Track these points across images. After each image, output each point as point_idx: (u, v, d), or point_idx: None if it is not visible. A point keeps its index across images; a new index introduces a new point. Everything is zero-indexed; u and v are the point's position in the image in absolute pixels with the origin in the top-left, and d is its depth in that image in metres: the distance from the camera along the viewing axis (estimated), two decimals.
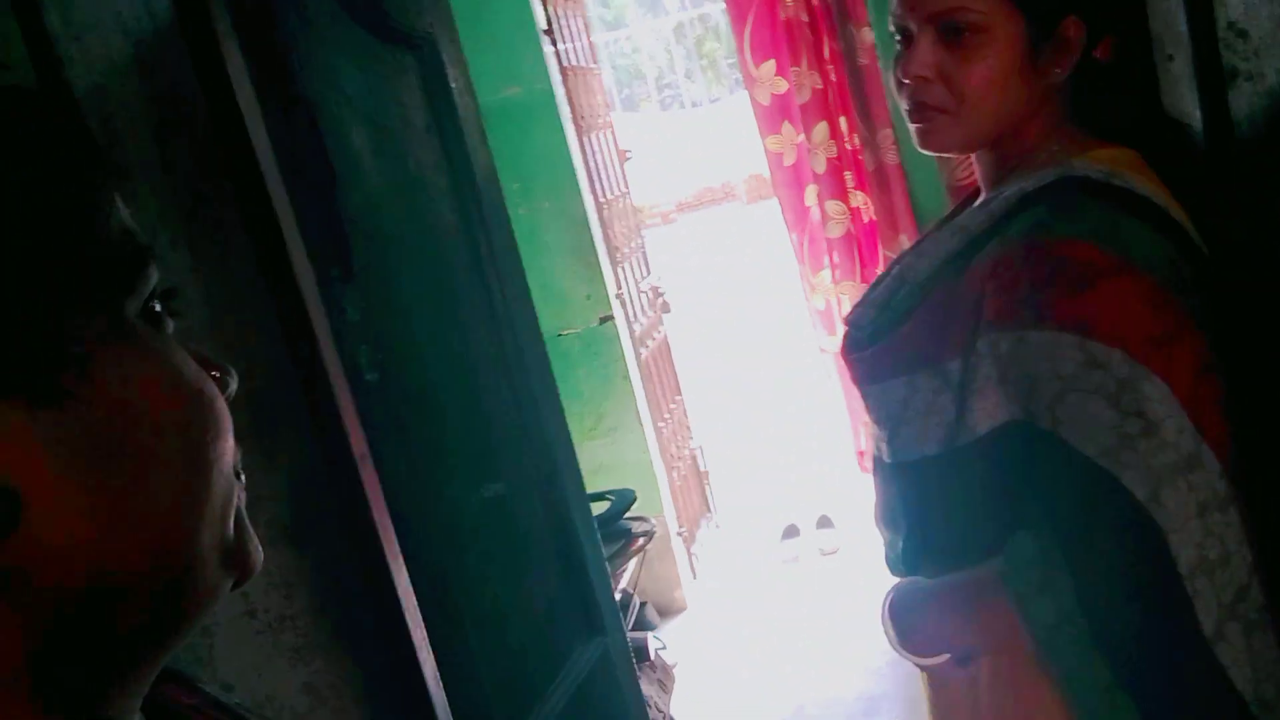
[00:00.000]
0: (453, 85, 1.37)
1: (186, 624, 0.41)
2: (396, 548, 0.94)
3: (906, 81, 1.03)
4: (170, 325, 0.42)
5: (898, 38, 1.05)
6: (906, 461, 1.03)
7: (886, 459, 1.06)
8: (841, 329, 3.45)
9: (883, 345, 1.04)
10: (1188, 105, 1.16)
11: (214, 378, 0.42)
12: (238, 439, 0.42)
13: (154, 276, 0.40)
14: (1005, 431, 0.93)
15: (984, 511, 0.99)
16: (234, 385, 0.44)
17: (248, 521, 0.43)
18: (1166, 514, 0.86)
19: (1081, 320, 0.88)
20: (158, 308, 0.41)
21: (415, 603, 1.00)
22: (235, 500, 0.42)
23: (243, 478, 0.43)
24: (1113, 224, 0.93)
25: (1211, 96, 1.15)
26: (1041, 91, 1.03)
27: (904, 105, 1.05)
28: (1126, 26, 1.09)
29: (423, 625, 1.01)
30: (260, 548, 0.44)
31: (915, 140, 1.07)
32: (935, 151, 1.07)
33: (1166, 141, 1.15)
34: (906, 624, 1.05)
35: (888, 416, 1.05)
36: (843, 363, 1.15)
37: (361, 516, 0.92)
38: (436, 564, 1.14)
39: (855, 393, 1.16)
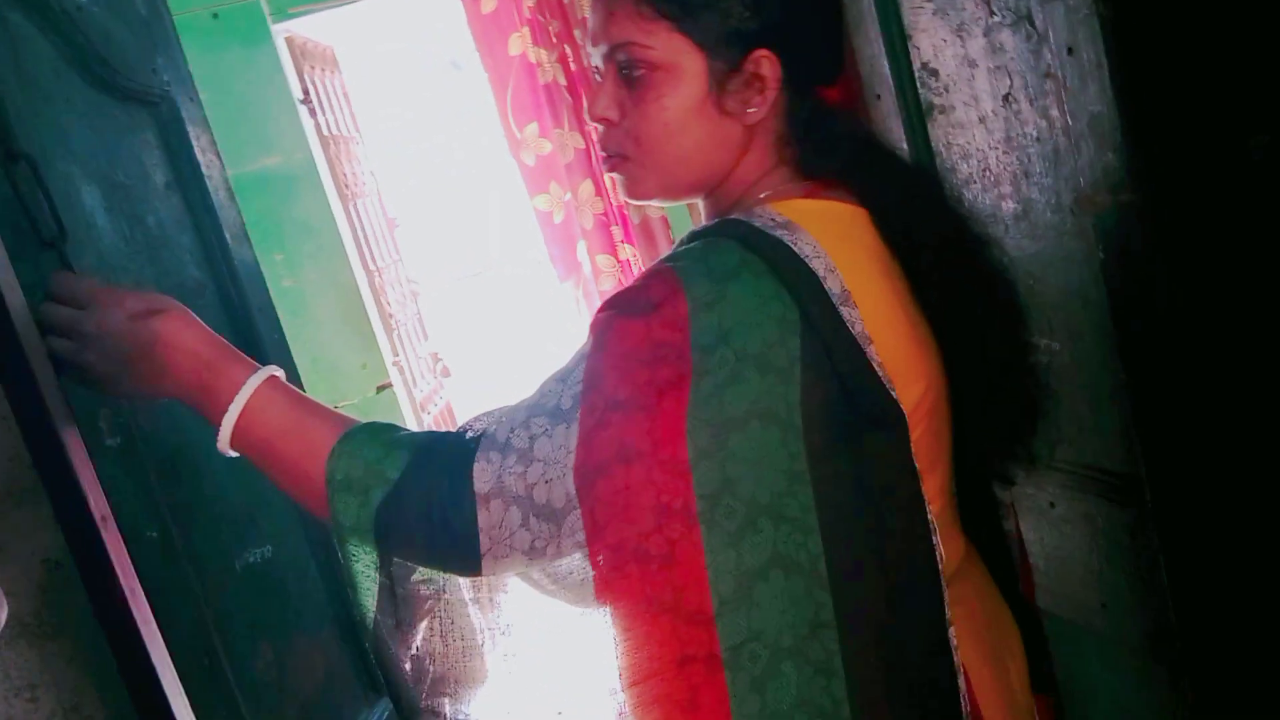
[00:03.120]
0: (194, 142, 1.33)
1: None
2: (149, 613, 0.89)
3: (596, 125, 0.99)
4: None
5: (596, 75, 1.00)
6: None
7: None
8: None
9: None
10: (895, 138, 1.29)
11: None
12: None
13: None
14: None
15: None
16: None
17: None
18: (484, 498, 0.84)
19: (598, 342, 0.87)
20: None
21: (174, 674, 0.94)
22: None
23: None
24: (726, 273, 0.85)
25: (915, 129, 1.29)
26: (741, 133, 0.96)
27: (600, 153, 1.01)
28: (833, 60, 1.03)
29: (185, 699, 0.95)
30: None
31: (620, 190, 1.02)
32: (637, 200, 1.02)
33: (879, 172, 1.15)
34: None
35: None
36: None
37: (108, 584, 0.86)
38: (200, 635, 1.08)
39: None
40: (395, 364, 3.51)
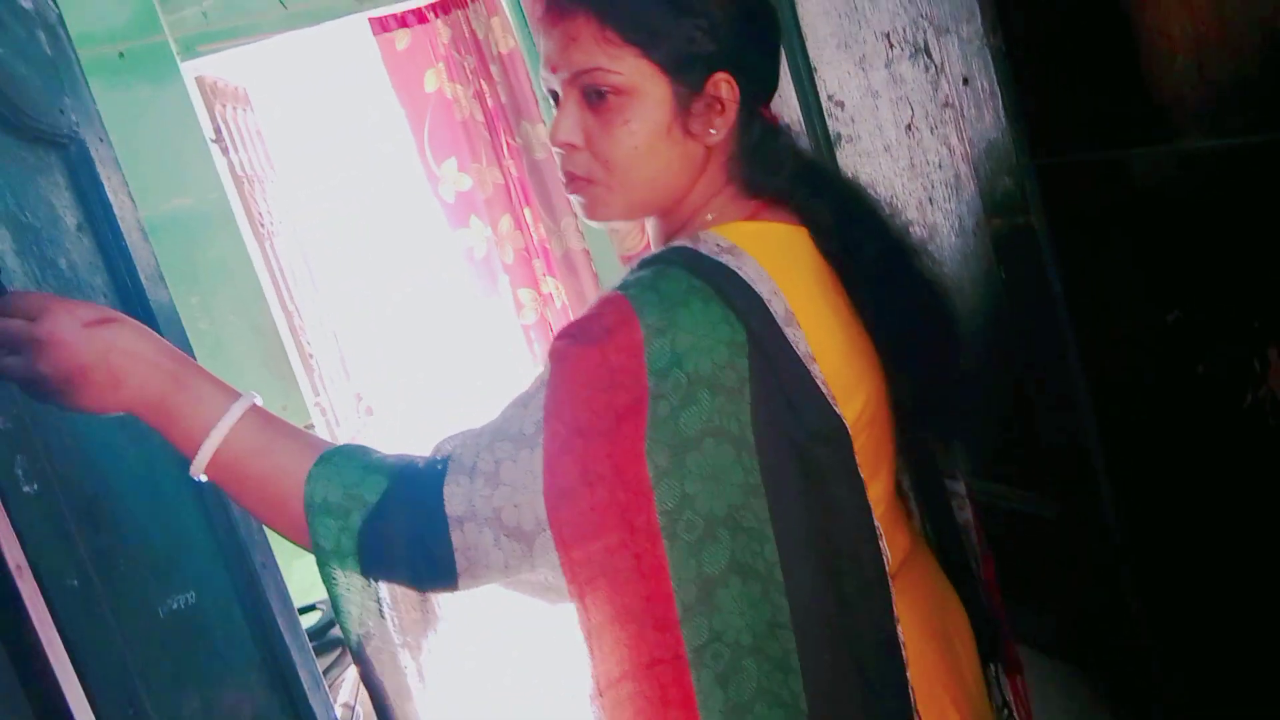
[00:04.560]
0: (105, 183, 1.31)
1: None
2: (68, 664, 0.87)
3: (557, 150, 1.00)
4: None
5: (553, 101, 1.00)
6: None
7: None
8: None
9: None
10: None
11: None
12: None
13: None
14: None
15: None
16: None
17: None
18: (457, 521, 0.88)
19: (556, 371, 0.89)
20: None
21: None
22: None
23: None
24: (676, 300, 0.88)
25: (824, 158, 1.33)
26: (702, 154, 0.99)
27: (560, 176, 1.02)
28: (776, 79, 1.05)
29: None
30: None
31: (579, 211, 1.04)
32: (599, 221, 1.04)
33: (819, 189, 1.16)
34: None
35: None
36: None
37: (24, 637, 0.84)
38: (124, 685, 1.06)
39: None
40: (317, 405, 3.47)
